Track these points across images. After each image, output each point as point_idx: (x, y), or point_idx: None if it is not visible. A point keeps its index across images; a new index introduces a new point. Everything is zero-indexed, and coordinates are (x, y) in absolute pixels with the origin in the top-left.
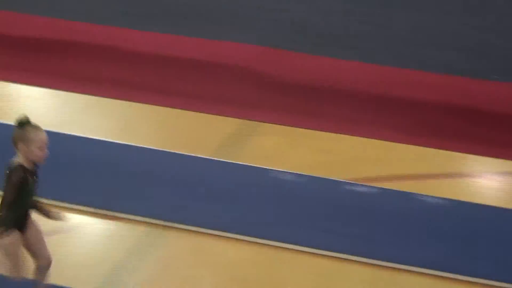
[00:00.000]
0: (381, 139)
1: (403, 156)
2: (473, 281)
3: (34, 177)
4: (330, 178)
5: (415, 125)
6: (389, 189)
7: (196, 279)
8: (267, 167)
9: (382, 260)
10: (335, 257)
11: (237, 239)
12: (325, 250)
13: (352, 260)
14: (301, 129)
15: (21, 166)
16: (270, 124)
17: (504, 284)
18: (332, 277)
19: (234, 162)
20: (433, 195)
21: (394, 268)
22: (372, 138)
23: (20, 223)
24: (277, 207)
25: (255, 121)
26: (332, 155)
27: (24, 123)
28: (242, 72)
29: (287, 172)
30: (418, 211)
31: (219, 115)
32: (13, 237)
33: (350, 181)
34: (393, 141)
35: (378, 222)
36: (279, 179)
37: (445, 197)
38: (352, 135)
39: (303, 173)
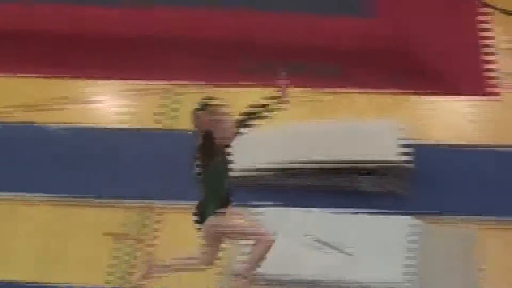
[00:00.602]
0: None
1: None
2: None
3: (225, 155)
4: None
5: (35, 57)
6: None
7: None
8: None
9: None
10: None
11: None
12: None
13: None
14: None
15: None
16: None
17: None
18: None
19: None
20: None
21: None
22: None
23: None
24: None
25: None
26: None
27: (207, 104)
28: None
29: None
30: (43, 141)
31: None
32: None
33: None
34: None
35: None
36: None
37: (73, 124)
38: None
39: None
